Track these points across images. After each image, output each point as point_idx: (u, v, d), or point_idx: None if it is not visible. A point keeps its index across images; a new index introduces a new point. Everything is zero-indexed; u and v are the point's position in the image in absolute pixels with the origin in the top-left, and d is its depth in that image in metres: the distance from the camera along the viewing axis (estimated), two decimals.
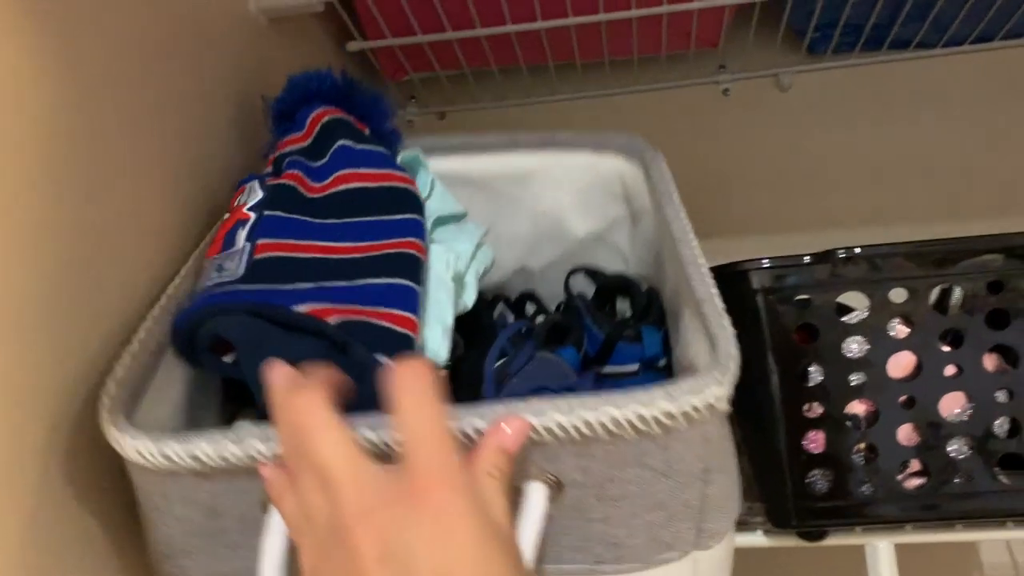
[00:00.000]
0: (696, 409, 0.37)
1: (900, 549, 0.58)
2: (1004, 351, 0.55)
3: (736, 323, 0.57)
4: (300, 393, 0.35)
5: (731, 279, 0.57)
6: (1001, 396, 0.54)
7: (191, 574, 0.42)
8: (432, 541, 0.32)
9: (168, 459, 0.38)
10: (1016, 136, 0.93)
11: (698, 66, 1.01)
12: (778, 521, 0.55)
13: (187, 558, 0.42)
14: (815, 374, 0.56)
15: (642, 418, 0.36)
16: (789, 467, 0.54)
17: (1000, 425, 0.54)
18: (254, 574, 0.38)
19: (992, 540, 0.80)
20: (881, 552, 0.56)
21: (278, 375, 0.37)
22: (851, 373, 0.54)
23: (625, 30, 0.89)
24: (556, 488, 0.38)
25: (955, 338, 0.54)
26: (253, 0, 0.70)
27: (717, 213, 0.93)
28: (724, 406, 0.39)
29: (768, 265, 0.55)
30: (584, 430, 0.37)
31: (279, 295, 0.45)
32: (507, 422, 0.36)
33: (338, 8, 0.81)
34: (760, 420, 0.55)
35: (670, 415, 0.36)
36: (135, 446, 0.38)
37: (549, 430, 0.37)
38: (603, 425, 0.36)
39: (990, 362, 0.54)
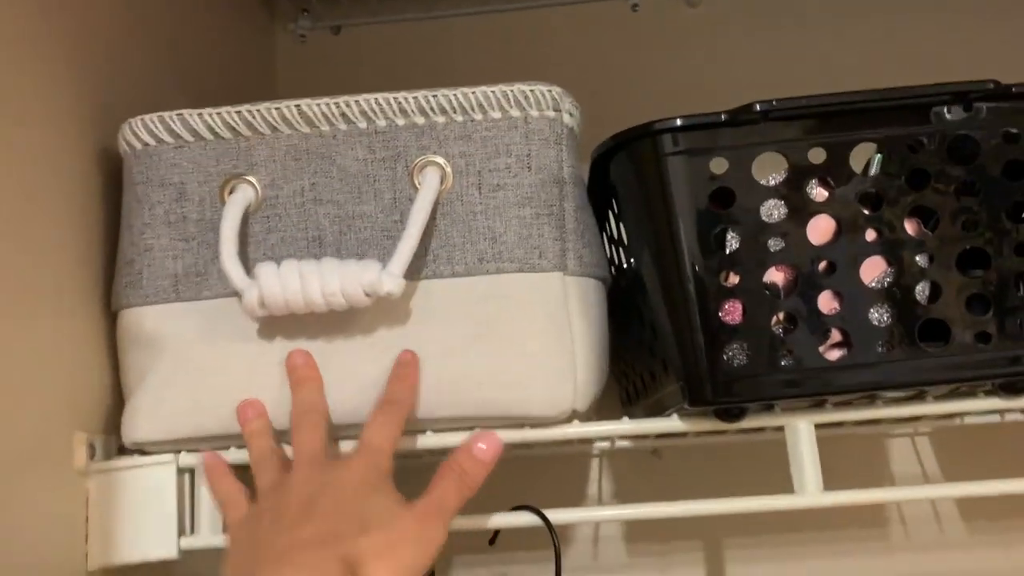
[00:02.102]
0: (544, 94, 0.54)
1: None
2: (924, 216, 0.53)
3: (644, 190, 0.54)
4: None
5: (638, 142, 0.53)
6: (922, 260, 0.51)
7: (144, 277, 0.54)
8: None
9: (166, 125, 0.54)
10: (936, 46, 0.92)
11: None
12: (694, 398, 0.51)
13: (146, 255, 0.54)
14: (731, 241, 0.52)
15: (505, 95, 0.53)
16: (705, 340, 0.50)
17: (921, 291, 0.51)
18: (196, 272, 0.53)
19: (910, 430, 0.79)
20: (802, 433, 0.53)
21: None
22: (769, 238, 0.51)
23: None
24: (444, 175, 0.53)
25: (875, 202, 0.51)
26: None
27: None
28: (570, 119, 0.55)
29: (681, 124, 0.51)
30: (464, 103, 0.53)
31: None
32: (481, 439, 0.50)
33: None
34: (672, 291, 0.51)
35: (525, 95, 0.54)
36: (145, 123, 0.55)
37: (440, 107, 0.53)
38: (477, 100, 0.53)
39: (911, 227, 0.52)
